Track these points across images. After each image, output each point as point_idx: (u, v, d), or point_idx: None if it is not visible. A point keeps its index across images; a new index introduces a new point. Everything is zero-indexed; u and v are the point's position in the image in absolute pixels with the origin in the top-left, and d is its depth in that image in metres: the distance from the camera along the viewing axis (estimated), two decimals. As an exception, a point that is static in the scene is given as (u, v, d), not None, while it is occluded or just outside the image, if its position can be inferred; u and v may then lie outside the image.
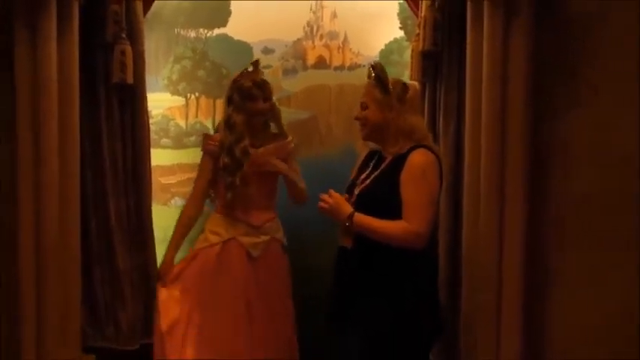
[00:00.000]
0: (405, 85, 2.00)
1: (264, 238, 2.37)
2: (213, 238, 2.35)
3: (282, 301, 2.42)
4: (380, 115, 1.98)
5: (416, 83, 2.22)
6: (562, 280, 2.41)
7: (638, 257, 2.30)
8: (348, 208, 1.95)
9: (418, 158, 1.90)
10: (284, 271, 2.45)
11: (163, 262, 2.38)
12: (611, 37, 2.33)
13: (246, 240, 2.34)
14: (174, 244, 2.39)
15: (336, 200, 1.97)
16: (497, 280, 2.33)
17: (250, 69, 2.37)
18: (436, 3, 2.60)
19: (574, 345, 2.39)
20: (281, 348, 2.39)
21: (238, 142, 2.29)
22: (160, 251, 2.84)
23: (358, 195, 2.00)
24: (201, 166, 2.42)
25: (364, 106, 2.02)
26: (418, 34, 2.69)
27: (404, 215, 1.88)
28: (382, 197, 1.94)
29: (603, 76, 2.35)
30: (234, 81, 2.36)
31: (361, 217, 1.91)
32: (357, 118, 2.06)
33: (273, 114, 2.41)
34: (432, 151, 1.96)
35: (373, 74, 2.01)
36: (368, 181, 2.01)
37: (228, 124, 2.31)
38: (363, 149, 2.24)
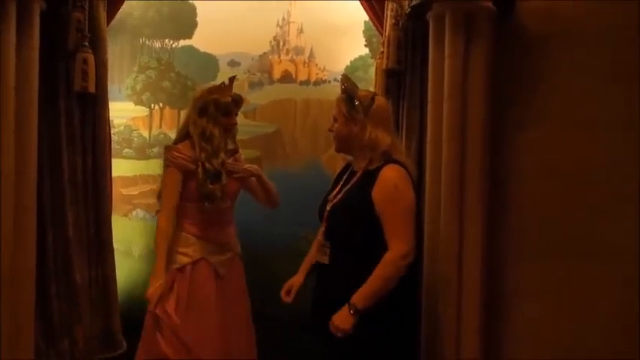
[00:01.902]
0: (372, 99, 1.98)
1: (228, 254, 2.36)
2: (183, 259, 2.28)
3: (246, 311, 2.42)
4: (345, 129, 1.98)
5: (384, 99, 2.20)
6: (520, 292, 2.49)
7: (594, 269, 2.40)
8: (345, 312, 1.85)
9: (389, 175, 1.90)
10: (243, 282, 2.44)
11: (158, 287, 2.20)
12: (566, 61, 2.45)
13: (214, 259, 2.30)
14: (164, 266, 2.24)
15: (337, 321, 1.87)
16: (457, 292, 2.38)
17: (226, 83, 2.34)
18: (400, 22, 2.67)
19: (531, 356, 2.46)
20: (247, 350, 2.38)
21: (216, 154, 2.25)
22: (122, 264, 2.80)
23: (330, 211, 2.00)
24: (169, 180, 2.28)
25: (335, 119, 2.03)
26: (382, 52, 2.76)
27: (387, 237, 1.89)
28: (353, 213, 1.94)
29: (556, 96, 2.47)
30: (210, 93, 2.30)
31: (359, 296, 1.83)
32: (329, 130, 2.07)
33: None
34: (403, 166, 1.95)
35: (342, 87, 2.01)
36: (339, 197, 2.01)
37: (204, 136, 2.25)
38: (337, 164, 2.25)
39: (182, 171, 2.26)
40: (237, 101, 2.33)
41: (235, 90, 2.40)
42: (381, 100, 2.03)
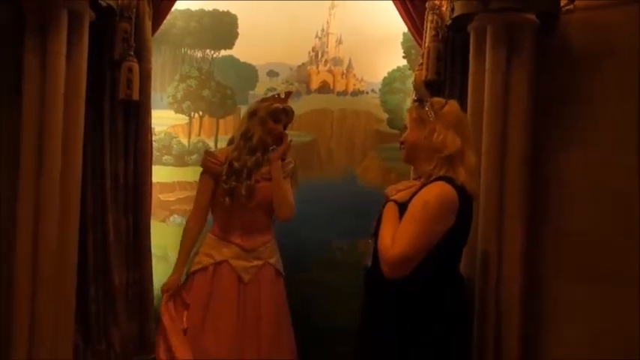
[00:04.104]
0: (445, 102, 1.90)
1: (256, 262, 2.35)
2: (205, 260, 2.33)
3: (276, 326, 2.37)
4: (415, 134, 1.90)
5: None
6: (559, 312, 2.42)
7: (637, 294, 2.30)
8: (397, 196, 1.85)
9: (430, 189, 1.79)
10: (277, 296, 2.40)
11: (171, 279, 2.33)
12: (611, 77, 2.36)
13: (237, 264, 2.32)
14: (182, 262, 2.37)
15: (401, 188, 1.90)
16: (494, 311, 2.34)
17: (282, 96, 2.43)
18: (440, 34, 2.66)
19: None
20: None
21: (253, 152, 2.32)
22: (157, 268, 2.85)
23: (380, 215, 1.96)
24: (202, 184, 2.40)
25: (406, 128, 1.98)
26: (421, 64, 2.74)
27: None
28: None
29: (601, 115, 2.38)
30: (264, 100, 2.43)
31: (387, 210, 1.84)
32: (399, 142, 2.00)
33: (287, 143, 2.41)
34: (453, 183, 1.78)
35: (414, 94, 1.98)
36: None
37: (246, 135, 2.34)
38: (372, 175, 2.18)
39: (213, 175, 2.34)
40: (288, 112, 2.40)
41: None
42: (454, 105, 1.91)
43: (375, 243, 1.86)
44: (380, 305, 1.88)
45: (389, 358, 1.84)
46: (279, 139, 2.37)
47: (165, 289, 2.31)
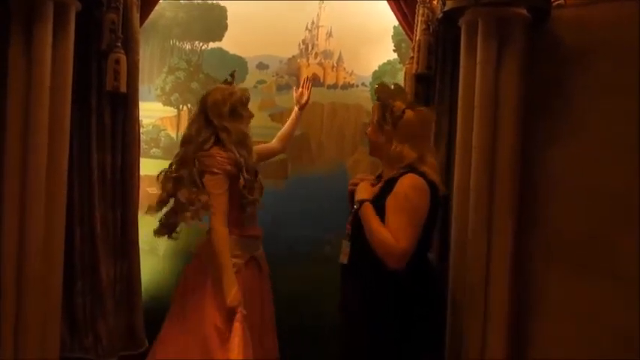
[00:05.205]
0: (402, 112, 1.96)
1: (261, 248, 2.39)
2: (238, 262, 2.23)
3: (272, 302, 2.44)
4: (374, 136, 2.04)
5: (423, 109, 2.05)
6: (552, 309, 2.43)
7: (620, 287, 2.31)
8: (366, 195, 1.97)
9: (404, 182, 1.90)
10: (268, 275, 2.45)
11: (236, 294, 2.12)
12: (602, 73, 2.37)
13: (257, 254, 2.34)
14: (232, 271, 2.17)
15: (364, 184, 2.03)
16: (483, 308, 2.35)
17: (230, 79, 2.35)
18: (431, 27, 2.65)
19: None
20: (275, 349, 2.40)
21: (251, 153, 2.27)
22: (145, 262, 2.82)
23: (354, 214, 2.03)
24: (219, 187, 2.19)
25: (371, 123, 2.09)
26: (412, 57, 2.74)
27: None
28: None
29: (591, 110, 2.39)
30: (231, 94, 2.27)
31: (368, 210, 1.93)
32: (365, 133, 2.12)
33: None
34: (425, 177, 1.92)
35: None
36: None
37: (243, 141, 2.24)
38: (362, 169, 2.38)
39: (229, 176, 2.21)
40: (245, 92, 2.35)
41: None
42: (410, 115, 1.97)
43: (353, 243, 1.98)
44: (377, 299, 1.93)
45: (382, 354, 1.90)
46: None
47: (236, 304, 2.10)
